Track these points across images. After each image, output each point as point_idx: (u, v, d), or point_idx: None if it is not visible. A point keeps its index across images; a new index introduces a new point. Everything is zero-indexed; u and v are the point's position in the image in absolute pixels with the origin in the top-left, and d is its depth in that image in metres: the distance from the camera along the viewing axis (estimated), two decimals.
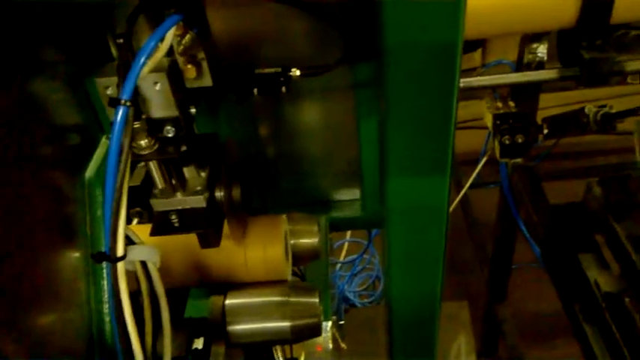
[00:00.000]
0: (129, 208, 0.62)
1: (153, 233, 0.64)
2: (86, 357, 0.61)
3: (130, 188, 0.52)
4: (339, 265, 2.42)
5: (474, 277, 2.37)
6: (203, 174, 0.66)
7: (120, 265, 0.52)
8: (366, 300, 2.45)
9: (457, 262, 2.41)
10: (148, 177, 0.64)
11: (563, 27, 1.14)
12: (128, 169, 0.50)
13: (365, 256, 2.36)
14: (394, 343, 0.92)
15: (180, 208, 0.64)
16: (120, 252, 0.51)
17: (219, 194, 0.67)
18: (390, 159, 0.65)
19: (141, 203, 0.75)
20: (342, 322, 1.33)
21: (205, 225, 0.65)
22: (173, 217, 0.64)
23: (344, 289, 2.41)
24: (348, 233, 2.34)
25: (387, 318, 0.89)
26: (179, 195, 0.64)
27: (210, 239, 0.67)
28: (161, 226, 0.64)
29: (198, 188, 0.64)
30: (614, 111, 1.29)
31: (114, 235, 0.50)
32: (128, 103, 0.49)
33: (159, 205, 0.64)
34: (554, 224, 1.47)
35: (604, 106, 1.31)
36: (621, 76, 1.19)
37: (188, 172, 0.65)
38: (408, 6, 0.52)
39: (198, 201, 0.64)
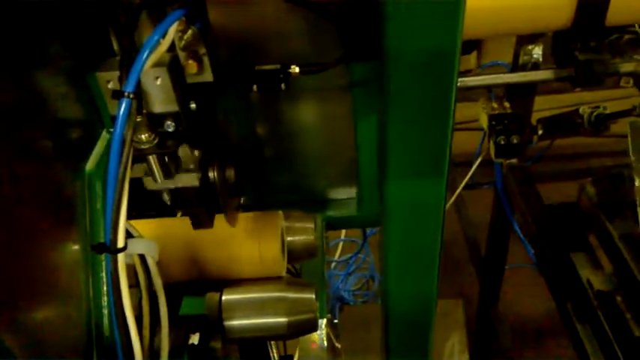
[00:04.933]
0: None
1: (144, 211, 0.63)
2: (84, 349, 0.61)
3: None
4: (333, 264, 2.43)
5: (467, 277, 2.38)
6: (196, 153, 0.65)
7: (120, 257, 0.52)
8: (360, 300, 2.45)
9: (451, 262, 2.43)
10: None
11: (558, 28, 1.15)
12: (130, 162, 0.51)
13: (360, 255, 2.37)
14: (390, 340, 0.92)
15: (172, 186, 0.63)
16: (120, 243, 0.51)
17: (212, 174, 0.65)
18: (388, 159, 0.66)
19: None
20: (336, 321, 1.34)
21: (197, 204, 0.64)
22: (165, 195, 0.64)
23: (339, 288, 2.41)
24: (343, 232, 2.35)
25: (383, 316, 0.90)
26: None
27: (202, 219, 0.66)
28: (153, 203, 0.64)
29: (191, 167, 0.64)
30: (608, 112, 1.31)
31: (115, 226, 0.50)
32: (132, 96, 0.50)
33: (151, 182, 0.63)
34: (547, 224, 1.49)
35: (598, 107, 1.32)
36: (615, 77, 1.20)
37: (182, 150, 0.64)
38: (409, 12, 0.53)
39: (191, 179, 0.63)
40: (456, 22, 0.54)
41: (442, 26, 0.54)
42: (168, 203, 0.63)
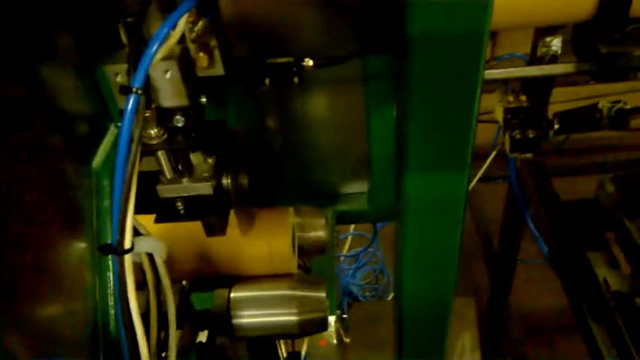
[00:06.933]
0: None
1: (158, 220, 0.62)
2: (91, 349, 0.60)
3: None
4: (342, 258, 2.41)
5: (478, 271, 2.36)
6: (210, 161, 0.64)
7: (127, 258, 0.51)
8: (369, 293, 2.44)
9: (462, 257, 2.40)
10: None
11: (581, 20, 1.11)
12: (138, 159, 0.49)
13: (369, 249, 2.35)
14: (404, 339, 0.90)
15: (186, 194, 0.62)
16: (127, 245, 0.50)
17: (226, 181, 0.65)
18: (408, 152, 0.63)
19: None
20: (345, 316, 1.33)
21: (211, 212, 0.63)
22: (179, 203, 0.62)
23: (347, 283, 2.40)
24: (352, 226, 2.33)
25: (396, 313, 0.88)
26: (185, 181, 0.62)
27: (215, 227, 0.65)
28: (166, 212, 0.62)
29: (205, 175, 0.63)
30: (628, 107, 1.27)
31: (122, 227, 0.49)
32: (140, 91, 0.48)
33: (165, 191, 0.62)
34: (563, 221, 1.46)
35: (618, 101, 1.28)
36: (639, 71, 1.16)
37: (195, 158, 0.63)
38: None
39: (205, 188, 0.62)
40: (485, 6, 0.50)
41: (471, 7, 0.51)
42: (182, 212, 0.62)
